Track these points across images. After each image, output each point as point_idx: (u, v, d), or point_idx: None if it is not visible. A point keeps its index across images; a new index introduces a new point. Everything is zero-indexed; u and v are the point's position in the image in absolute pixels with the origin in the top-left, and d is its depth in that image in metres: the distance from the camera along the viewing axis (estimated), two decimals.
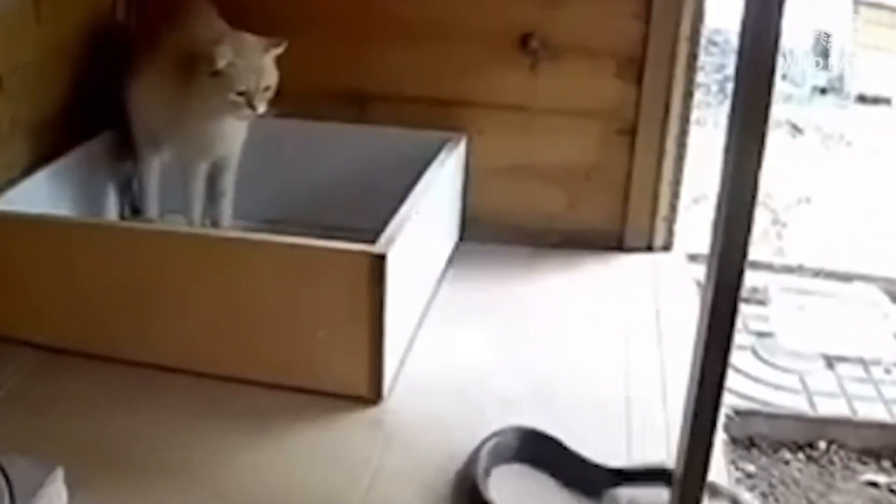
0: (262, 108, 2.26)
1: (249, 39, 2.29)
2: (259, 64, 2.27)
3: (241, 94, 2.25)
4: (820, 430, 2.29)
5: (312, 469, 1.87)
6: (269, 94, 2.28)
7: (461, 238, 2.73)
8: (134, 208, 2.67)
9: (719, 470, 1.85)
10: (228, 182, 2.54)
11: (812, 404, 2.37)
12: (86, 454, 1.81)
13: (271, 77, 2.28)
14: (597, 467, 1.84)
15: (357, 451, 1.92)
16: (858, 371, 2.51)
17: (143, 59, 2.45)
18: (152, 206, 2.61)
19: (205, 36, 2.30)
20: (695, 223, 2.76)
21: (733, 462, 2.18)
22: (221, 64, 2.22)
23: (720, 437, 1.97)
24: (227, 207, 2.56)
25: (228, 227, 2.53)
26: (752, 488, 2.15)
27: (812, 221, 3.84)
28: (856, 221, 3.79)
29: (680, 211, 2.71)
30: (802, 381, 2.45)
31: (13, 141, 2.34)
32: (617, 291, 2.54)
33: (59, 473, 1.62)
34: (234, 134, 2.44)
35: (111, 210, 2.64)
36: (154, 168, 2.58)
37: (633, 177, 2.67)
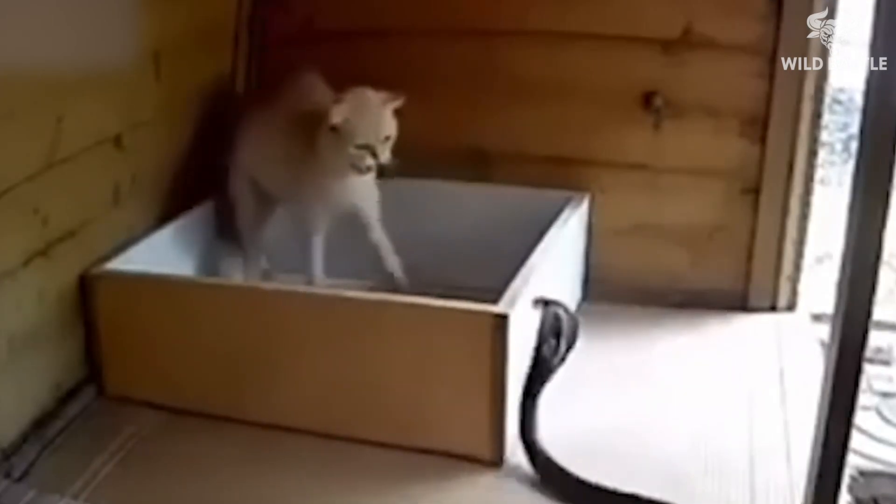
0: (385, 156, 2.29)
1: (367, 94, 2.32)
2: (377, 116, 2.30)
3: (360, 147, 2.28)
4: None
5: None
6: (390, 143, 2.30)
7: (583, 298, 2.73)
8: None
9: None
10: (380, 236, 2.54)
11: None
12: None
13: (390, 128, 2.31)
14: None
15: None
16: None
17: (256, 122, 2.51)
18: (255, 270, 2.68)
19: (314, 102, 2.35)
20: (819, 283, 2.73)
21: None
22: (337, 119, 2.27)
23: (844, 498, 1.94)
24: (392, 259, 2.56)
25: (401, 279, 2.56)
26: None
27: None
28: None
29: (804, 270, 2.68)
30: None
31: (133, 200, 2.39)
32: (740, 352, 2.52)
33: None
34: (360, 185, 2.44)
35: (230, 270, 2.66)
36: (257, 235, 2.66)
37: (757, 236, 2.65)
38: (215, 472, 2.00)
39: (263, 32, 2.85)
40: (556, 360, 2.07)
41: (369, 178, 2.42)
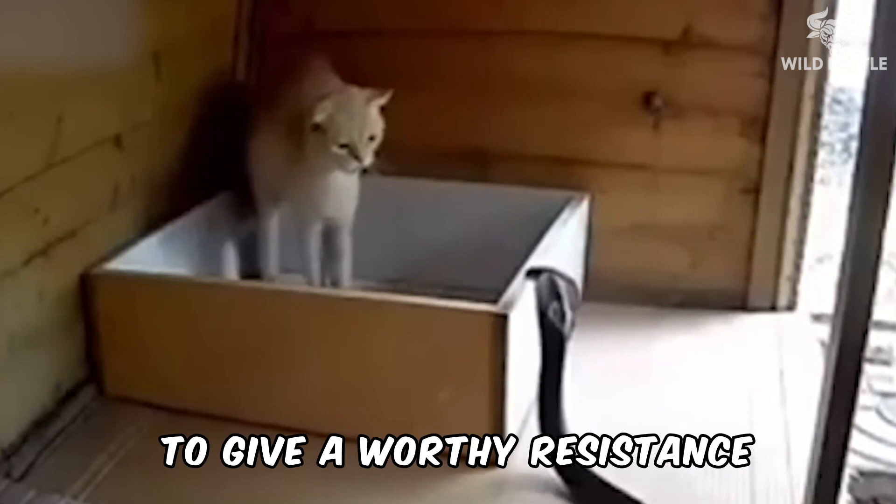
0: (368, 159, 2.26)
1: (352, 92, 2.31)
2: (361, 115, 2.27)
3: (343, 146, 2.26)
4: None
5: None
6: (375, 144, 2.28)
7: (583, 298, 2.72)
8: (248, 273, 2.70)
9: None
10: (345, 242, 2.54)
11: None
12: None
13: (375, 127, 2.28)
14: None
15: None
16: None
17: (261, 117, 2.50)
18: (272, 265, 2.65)
19: (315, 93, 2.32)
20: (819, 283, 2.73)
21: None
22: (320, 118, 2.25)
23: (844, 497, 1.94)
24: (346, 267, 2.56)
25: (348, 287, 2.54)
26: None
27: None
28: None
29: (804, 270, 2.68)
30: None
31: (133, 200, 2.39)
32: (740, 351, 2.51)
33: None
34: (344, 192, 2.44)
35: (229, 270, 2.67)
36: (274, 226, 2.63)
37: (757, 236, 2.65)
38: (214, 473, 2.00)
39: (263, 33, 2.85)
40: (566, 326, 2.02)
41: (354, 181, 2.41)
